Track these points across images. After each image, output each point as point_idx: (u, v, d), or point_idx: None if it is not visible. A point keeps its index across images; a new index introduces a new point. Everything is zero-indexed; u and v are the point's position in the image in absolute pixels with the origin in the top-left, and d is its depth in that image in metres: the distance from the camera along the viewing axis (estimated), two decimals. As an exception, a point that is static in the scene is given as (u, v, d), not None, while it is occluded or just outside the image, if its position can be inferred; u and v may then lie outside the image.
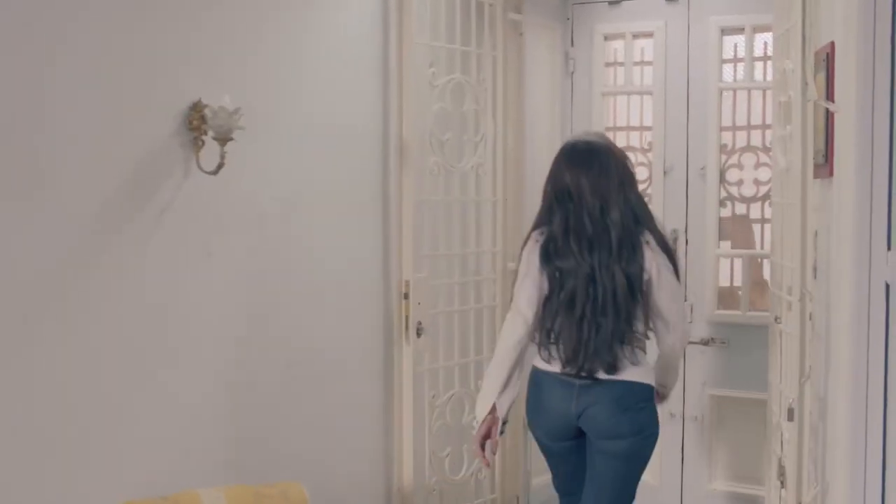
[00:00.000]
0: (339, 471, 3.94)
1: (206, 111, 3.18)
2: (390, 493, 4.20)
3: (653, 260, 3.49)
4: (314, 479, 3.64)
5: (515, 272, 3.64)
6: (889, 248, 3.21)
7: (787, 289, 3.78)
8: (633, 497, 3.65)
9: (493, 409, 3.52)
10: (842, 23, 3.36)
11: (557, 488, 3.84)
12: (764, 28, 4.91)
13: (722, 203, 5.11)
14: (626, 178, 3.55)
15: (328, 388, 3.88)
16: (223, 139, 3.17)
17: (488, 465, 3.67)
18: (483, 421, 3.52)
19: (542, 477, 5.28)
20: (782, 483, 3.82)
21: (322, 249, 3.84)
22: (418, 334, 4.18)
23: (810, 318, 3.62)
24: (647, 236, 3.52)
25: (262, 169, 3.54)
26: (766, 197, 5.02)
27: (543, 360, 3.58)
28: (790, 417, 3.59)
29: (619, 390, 3.49)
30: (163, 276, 3.17)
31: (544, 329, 3.54)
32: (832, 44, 3.57)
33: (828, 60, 3.60)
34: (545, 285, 3.51)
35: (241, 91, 3.34)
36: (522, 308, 3.53)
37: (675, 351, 3.68)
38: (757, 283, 5.17)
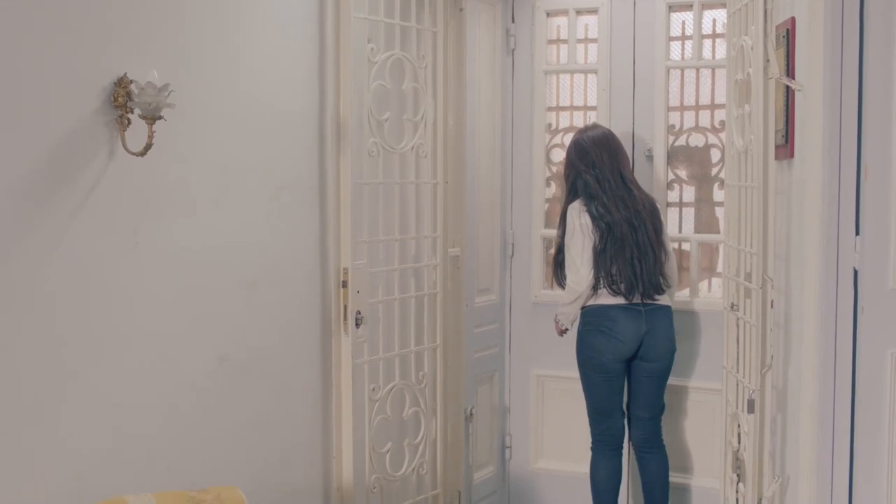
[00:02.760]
0: (276, 470, 3.78)
1: (132, 87, 2.96)
2: (329, 491, 4.03)
3: (662, 213, 4.66)
4: (250, 480, 3.52)
5: (560, 238, 4.64)
6: (857, 233, 3.13)
7: (746, 275, 3.66)
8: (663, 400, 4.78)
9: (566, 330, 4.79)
10: (806, -3, 3.25)
11: (597, 411, 4.70)
12: (713, 4, 4.81)
13: (669, 186, 4.98)
14: (626, 155, 4.65)
15: (263, 382, 3.71)
16: (151, 118, 2.95)
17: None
18: (564, 330, 4.76)
19: (483, 471, 5.16)
20: (739, 477, 3.71)
21: (256, 235, 3.66)
22: (357, 324, 4.03)
23: (772, 307, 3.51)
24: (653, 197, 4.70)
25: (192, 150, 3.34)
26: (715, 179, 4.90)
27: (612, 296, 4.53)
28: (751, 410, 3.48)
29: (669, 314, 4.62)
30: (86, 266, 2.96)
31: (609, 275, 4.51)
32: (792, 19, 3.47)
33: (788, 37, 3.48)
34: (597, 241, 4.49)
35: (170, 66, 3.14)
36: (589, 266, 4.51)
37: (673, 280, 4.72)
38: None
